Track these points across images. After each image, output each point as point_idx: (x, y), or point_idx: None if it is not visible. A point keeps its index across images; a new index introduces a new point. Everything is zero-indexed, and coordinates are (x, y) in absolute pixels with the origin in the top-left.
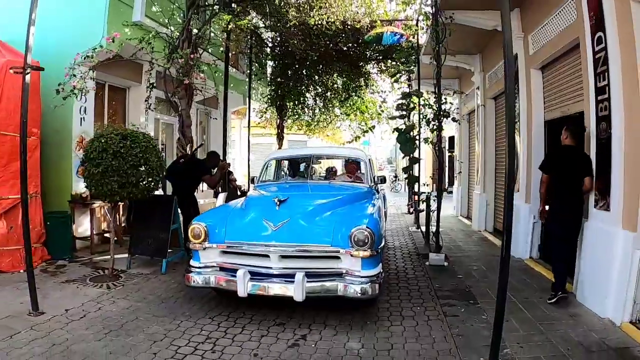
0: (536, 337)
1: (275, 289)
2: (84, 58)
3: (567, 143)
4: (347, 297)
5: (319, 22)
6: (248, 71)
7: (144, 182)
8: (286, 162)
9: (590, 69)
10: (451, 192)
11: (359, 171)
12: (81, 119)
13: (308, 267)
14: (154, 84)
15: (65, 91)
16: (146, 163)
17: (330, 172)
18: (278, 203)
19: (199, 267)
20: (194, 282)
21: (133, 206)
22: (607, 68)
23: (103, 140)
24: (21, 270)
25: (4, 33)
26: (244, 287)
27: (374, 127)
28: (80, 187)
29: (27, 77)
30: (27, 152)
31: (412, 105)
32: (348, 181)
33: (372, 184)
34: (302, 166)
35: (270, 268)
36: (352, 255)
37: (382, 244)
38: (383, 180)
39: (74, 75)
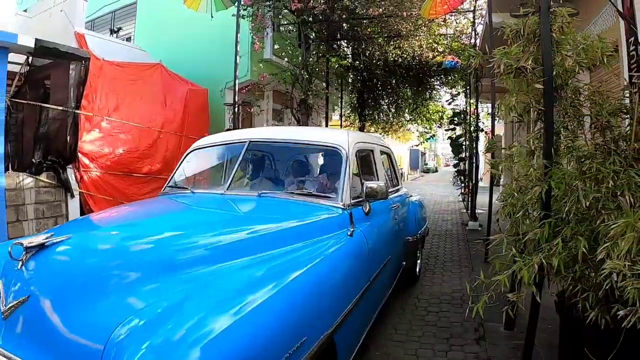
0: None
1: None
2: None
3: None
4: None
5: (395, 58)
6: (335, 84)
7: None
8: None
9: None
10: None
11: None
12: (229, 127)
13: None
14: (288, 107)
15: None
16: None
17: (294, 172)
18: (23, 257)
19: None
20: None
21: None
22: None
23: None
24: None
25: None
26: None
27: (433, 135)
28: None
29: (239, 108)
30: None
31: (460, 120)
32: (303, 193)
33: (354, 201)
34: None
35: None
36: None
37: None
38: (371, 194)
39: (242, 104)
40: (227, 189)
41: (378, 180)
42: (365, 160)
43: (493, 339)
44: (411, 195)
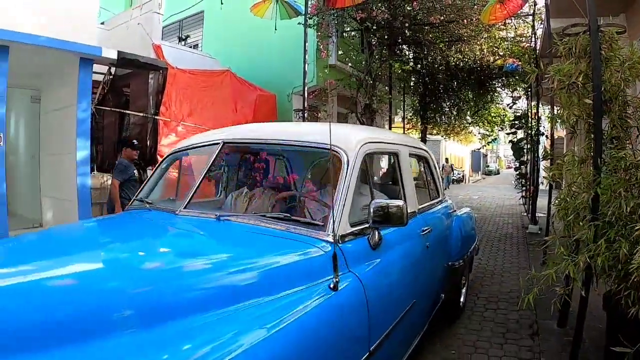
0: None
1: None
2: (313, 92)
3: None
4: None
5: (457, 62)
6: (398, 88)
7: None
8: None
9: None
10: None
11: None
12: None
13: None
14: (352, 111)
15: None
16: None
17: (274, 184)
18: None
19: None
20: None
21: None
22: None
23: None
24: None
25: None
26: None
27: (495, 138)
28: None
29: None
30: None
31: (521, 124)
32: (277, 216)
33: (357, 228)
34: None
35: None
36: None
37: None
38: (381, 218)
39: (309, 109)
40: (185, 207)
41: (405, 194)
42: (383, 168)
43: (546, 334)
44: (455, 210)
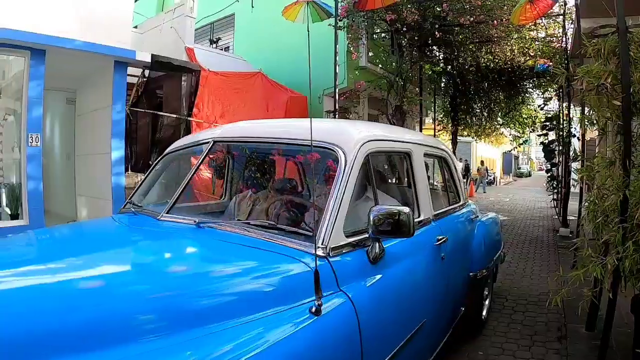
0: None
1: None
2: (343, 94)
3: None
4: None
5: (487, 63)
6: (428, 89)
7: None
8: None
9: None
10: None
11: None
12: None
13: None
14: (383, 112)
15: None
16: None
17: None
18: None
19: None
20: None
21: None
22: None
23: None
24: None
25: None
26: None
27: (526, 140)
28: None
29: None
30: None
31: (552, 126)
32: (262, 224)
33: (356, 238)
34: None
35: None
36: None
37: None
38: (384, 227)
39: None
40: (168, 211)
41: (417, 199)
42: (392, 169)
43: (574, 338)
44: (477, 215)
